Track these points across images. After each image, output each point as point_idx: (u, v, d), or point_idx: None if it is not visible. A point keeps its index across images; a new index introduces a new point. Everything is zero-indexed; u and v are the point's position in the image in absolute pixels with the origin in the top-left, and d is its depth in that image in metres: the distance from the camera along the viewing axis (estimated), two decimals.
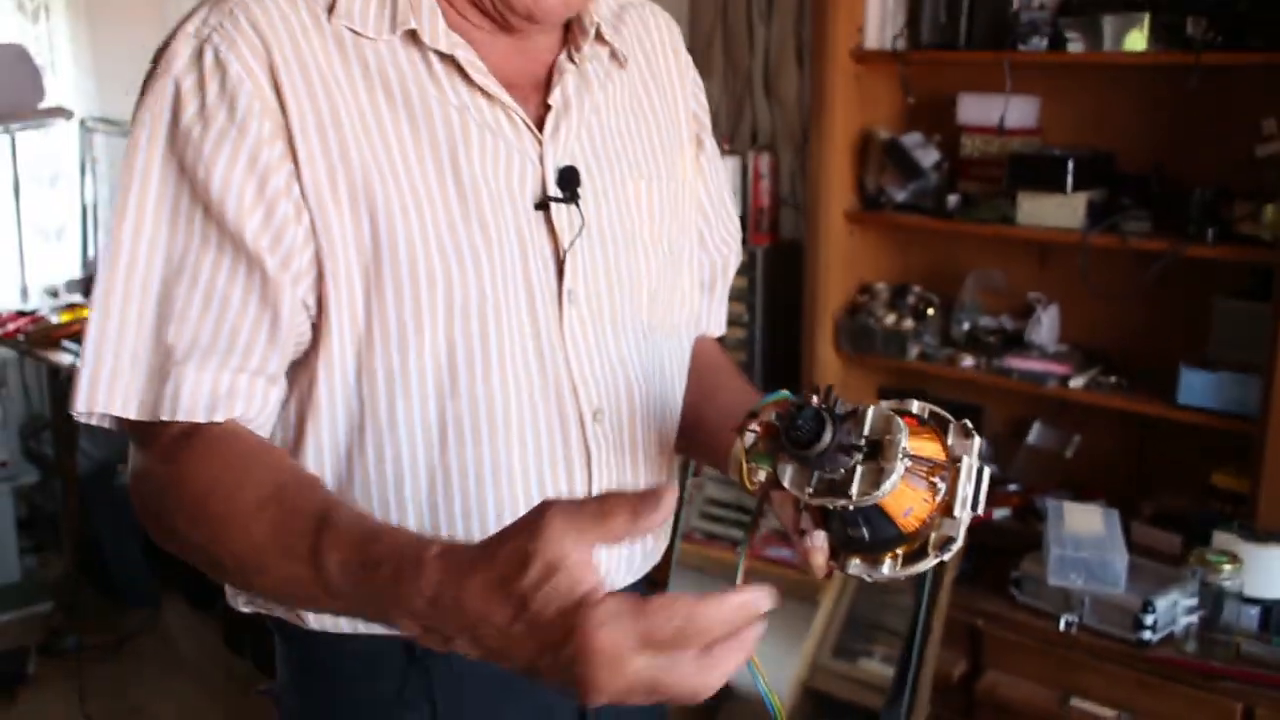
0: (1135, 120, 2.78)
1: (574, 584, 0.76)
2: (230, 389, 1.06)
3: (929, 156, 2.90)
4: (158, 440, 1.06)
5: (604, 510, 0.78)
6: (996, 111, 2.83)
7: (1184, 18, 2.49)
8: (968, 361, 2.88)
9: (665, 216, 1.27)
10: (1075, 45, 2.63)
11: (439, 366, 1.11)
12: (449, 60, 1.12)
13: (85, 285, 4.82)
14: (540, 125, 1.17)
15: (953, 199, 2.87)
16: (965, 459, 0.97)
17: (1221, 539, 2.40)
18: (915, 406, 1.00)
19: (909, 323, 2.96)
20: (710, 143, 1.41)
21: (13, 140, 4.54)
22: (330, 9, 1.10)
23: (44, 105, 4.28)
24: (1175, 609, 2.38)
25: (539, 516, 0.78)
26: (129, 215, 1.05)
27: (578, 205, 1.17)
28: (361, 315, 1.09)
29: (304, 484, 1.02)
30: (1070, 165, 2.64)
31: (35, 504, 4.75)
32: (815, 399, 0.94)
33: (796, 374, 3.08)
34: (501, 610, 0.78)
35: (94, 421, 1.08)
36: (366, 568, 0.88)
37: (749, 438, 1.01)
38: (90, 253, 4.96)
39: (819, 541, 1.01)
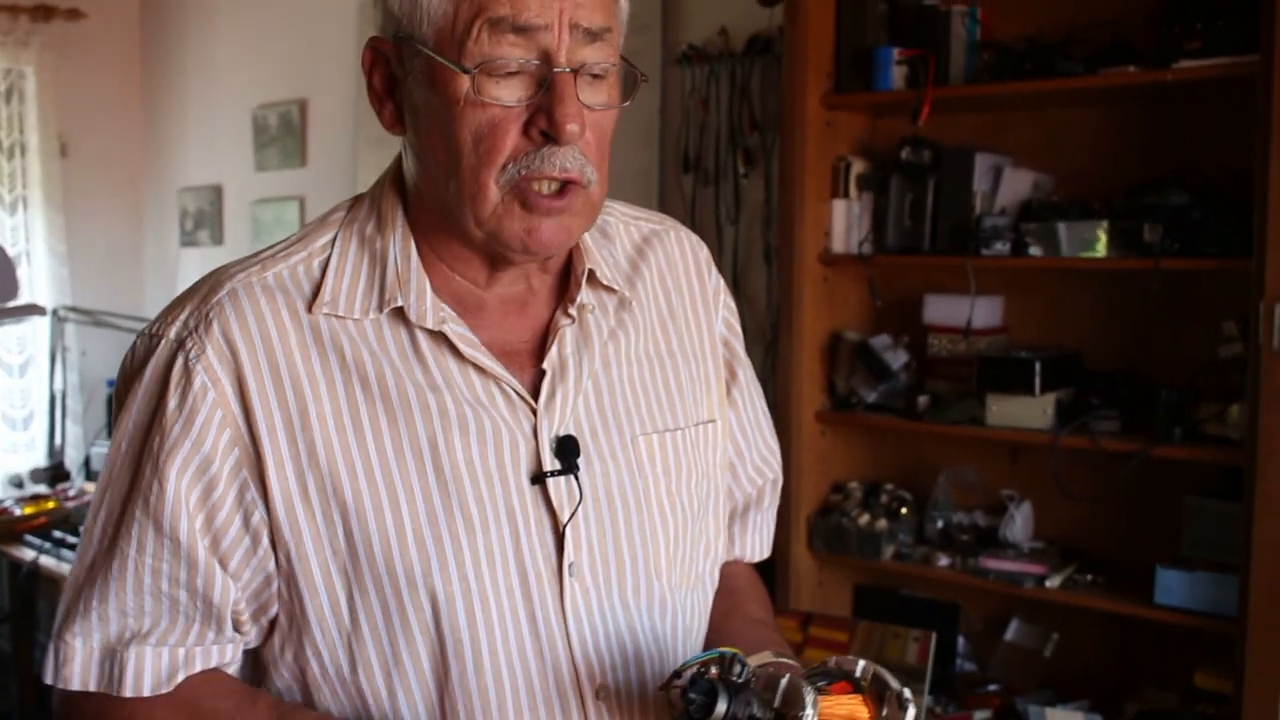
0: (1099, 320, 2.84)
1: None
2: (187, 658, 1.11)
3: (898, 358, 2.94)
4: (111, 704, 1.12)
5: None
6: (961, 311, 2.88)
7: (1140, 224, 2.56)
8: (943, 561, 2.87)
9: (684, 469, 1.23)
10: (1036, 250, 2.70)
11: (434, 656, 1.10)
12: (438, 336, 1.11)
13: (51, 474, 4.79)
14: (536, 393, 1.14)
15: (922, 399, 2.90)
16: None
17: None
18: (859, 669, 0.99)
19: (883, 522, 2.96)
20: (743, 371, 1.36)
21: None
22: (312, 299, 1.12)
23: (19, 300, 4.31)
24: None
25: None
26: (100, 515, 1.12)
27: (576, 476, 1.13)
28: (345, 612, 1.10)
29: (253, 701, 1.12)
30: (1038, 367, 2.68)
31: None
32: (715, 670, 0.94)
33: (771, 576, 3.06)
34: None
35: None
36: None
37: (673, 693, 0.99)
38: (58, 441, 4.93)
39: None
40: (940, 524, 2.96)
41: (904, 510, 2.99)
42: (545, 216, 1.08)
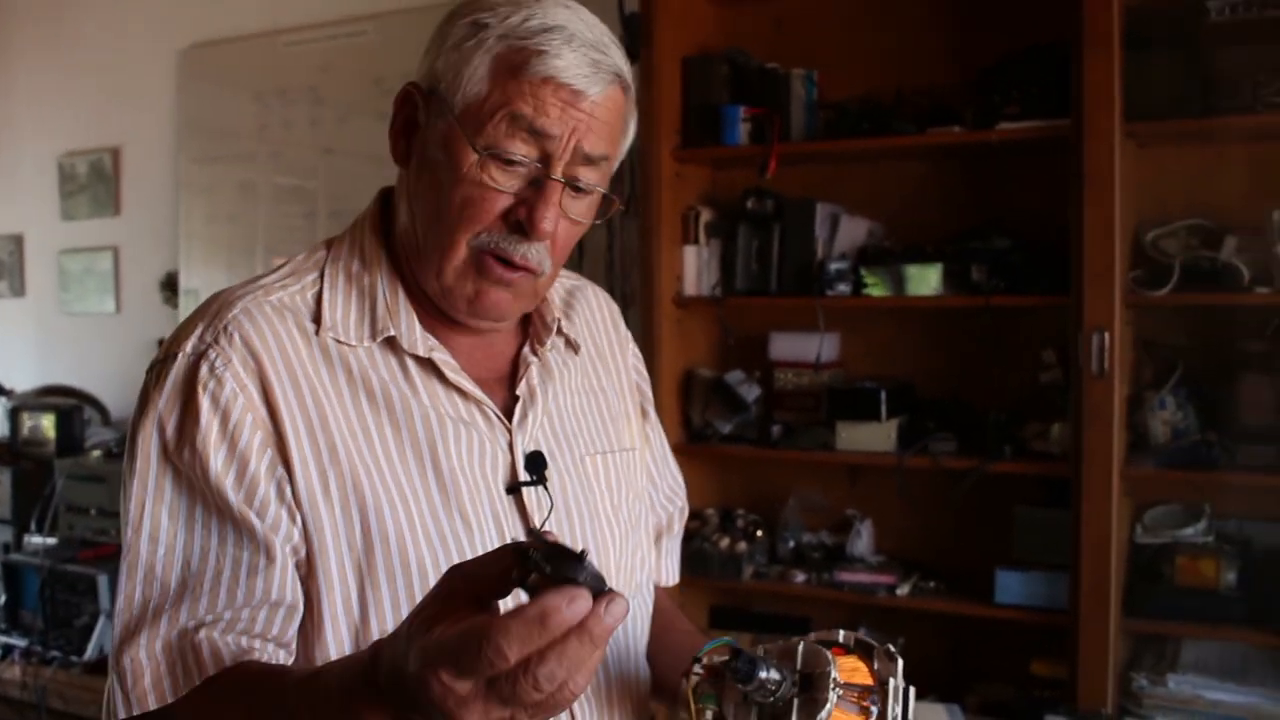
0: (928, 352, 3.16)
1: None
2: (248, 649, 1.12)
3: (752, 392, 3.18)
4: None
5: None
6: (803, 347, 3.15)
7: (968, 266, 2.89)
8: (799, 578, 3.11)
9: (621, 487, 1.39)
10: (875, 290, 2.99)
11: None
12: (425, 362, 1.24)
13: None
14: (508, 414, 1.29)
15: (775, 429, 3.15)
16: (892, 681, 1.10)
17: None
18: (841, 636, 1.14)
19: (742, 545, 3.17)
20: (652, 411, 1.56)
21: None
22: (317, 322, 1.23)
23: None
24: None
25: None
26: (145, 525, 1.15)
27: (545, 487, 1.28)
28: (356, 606, 1.18)
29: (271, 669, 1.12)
30: (883, 396, 2.97)
31: None
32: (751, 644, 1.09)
33: None
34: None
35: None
36: (315, 673, 1.01)
37: (694, 680, 1.14)
38: None
39: None
40: (791, 544, 3.21)
41: (759, 533, 3.22)
42: (495, 285, 1.23)
